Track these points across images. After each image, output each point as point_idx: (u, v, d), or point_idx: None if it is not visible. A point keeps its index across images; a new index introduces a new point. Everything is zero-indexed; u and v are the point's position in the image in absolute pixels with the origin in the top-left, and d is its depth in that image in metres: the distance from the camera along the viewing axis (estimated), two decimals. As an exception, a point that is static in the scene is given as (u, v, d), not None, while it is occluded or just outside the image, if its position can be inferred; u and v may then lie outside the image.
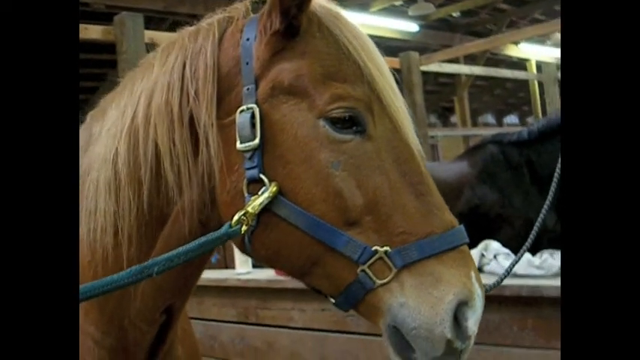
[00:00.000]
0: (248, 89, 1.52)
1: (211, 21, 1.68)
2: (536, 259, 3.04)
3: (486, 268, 3.23)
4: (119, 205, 1.61)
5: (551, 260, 3.02)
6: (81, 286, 1.38)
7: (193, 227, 1.61)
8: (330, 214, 1.44)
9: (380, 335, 3.92)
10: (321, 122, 1.47)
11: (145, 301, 1.68)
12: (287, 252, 1.51)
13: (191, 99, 1.56)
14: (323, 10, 1.57)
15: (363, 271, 1.42)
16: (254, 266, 4.45)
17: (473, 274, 1.43)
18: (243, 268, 4.35)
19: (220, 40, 1.62)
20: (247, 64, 1.55)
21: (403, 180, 1.46)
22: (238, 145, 1.51)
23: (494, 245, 3.36)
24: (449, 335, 1.37)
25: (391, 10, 14.82)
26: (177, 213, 1.61)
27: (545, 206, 2.57)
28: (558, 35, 16.64)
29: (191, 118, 1.57)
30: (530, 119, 22.74)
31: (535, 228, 2.53)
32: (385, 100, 1.50)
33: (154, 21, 11.55)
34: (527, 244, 2.50)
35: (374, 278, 1.42)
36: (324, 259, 1.47)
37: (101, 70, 15.73)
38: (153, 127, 1.58)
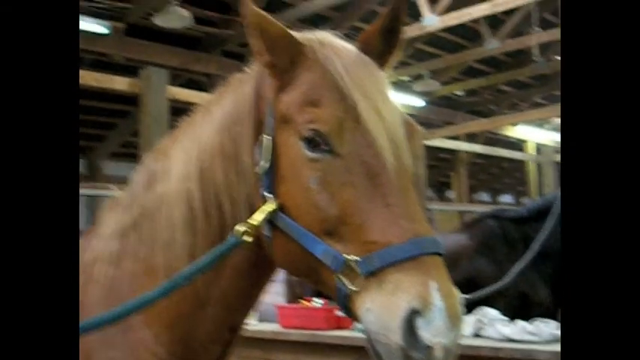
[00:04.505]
0: (268, 122, 1.77)
1: (255, 68, 1.93)
2: (530, 326, 3.28)
3: (483, 332, 3.46)
4: (196, 237, 1.85)
5: (542, 326, 3.26)
6: (120, 306, 1.66)
7: (250, 247, 1.79)
8: (312, 224, 1.62)
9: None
10: (301, 143, 1.67)
11: (215, 322, 1.90)
12: (291, 259, 1.72)
13: (235, 139, 1.83)
14: (322, 48, 1.77)
15: (338, 277, 1.55)
16: (260, 320, 4.65)
17: (432, 283, 1.47)
18: (249, 320, 4.53)
19: (258, 85, 1.86)
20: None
21: (373, 193, 1.58)
22: (256, 169, 1.76)
23: (492, 312, 3.60)
24: (401, 342, 1.43)
25: (398, 85, 15.28)
26: None
27: (522, 264, 2.77)
28: (557, 120, 17.07)
29: (237, 155, 1.83)
30: (525, 200, 22.89)
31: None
32: (363, 120, 1.63)
33: (170, 77, 11.93)
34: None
35: (347, 284, 1.53)
36: (316, 266, 1.62)
37: (111, 119, 16.01)
38: (213, 167, 1.85)
